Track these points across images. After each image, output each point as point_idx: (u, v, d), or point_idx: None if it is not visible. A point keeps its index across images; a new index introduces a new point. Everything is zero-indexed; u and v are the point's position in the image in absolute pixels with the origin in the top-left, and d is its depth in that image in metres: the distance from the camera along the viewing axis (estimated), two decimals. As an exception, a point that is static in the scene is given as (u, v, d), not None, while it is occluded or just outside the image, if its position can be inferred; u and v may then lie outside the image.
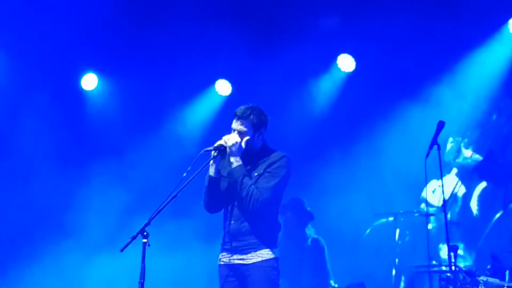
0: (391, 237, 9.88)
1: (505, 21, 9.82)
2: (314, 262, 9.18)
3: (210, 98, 11.26)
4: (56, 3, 10.03)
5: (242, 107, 6.00)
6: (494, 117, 10.41)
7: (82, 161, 10.77)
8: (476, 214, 10.36)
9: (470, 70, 10.19)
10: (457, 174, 10.58)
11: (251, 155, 5.97)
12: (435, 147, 7.21)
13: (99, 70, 10.99)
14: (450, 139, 10.67)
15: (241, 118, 5.95)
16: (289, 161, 5.98)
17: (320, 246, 9.28)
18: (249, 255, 5.85)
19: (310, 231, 9.35)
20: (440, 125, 7.23)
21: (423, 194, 10.40)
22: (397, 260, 9.84)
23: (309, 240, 9.31)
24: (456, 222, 10.41)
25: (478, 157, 10.50)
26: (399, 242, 9.97)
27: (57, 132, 10.64)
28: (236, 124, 5.96)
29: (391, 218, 9.54)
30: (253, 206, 5.78)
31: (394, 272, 9.73)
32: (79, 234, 10.34)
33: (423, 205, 10.41)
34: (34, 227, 10.40)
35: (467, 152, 10.58)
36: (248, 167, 5.92)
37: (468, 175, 10.56)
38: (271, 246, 5.89)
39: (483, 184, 10.38)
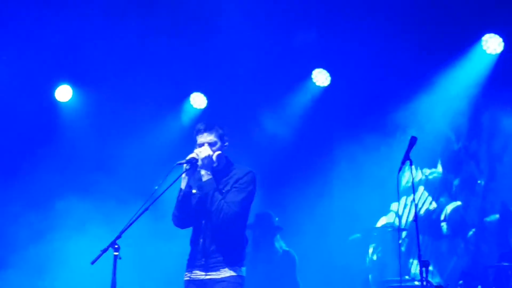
0: (364, 251, 9.90)
1: (479, 38, 9.92)
2: (283, 274, 9.13)
3: (185, 111, 11.26)
4: (30, 15, 9.99)
5: (203, 122, 6.07)
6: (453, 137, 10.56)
7: (55, 174, 10.71)
8: (446, 232, 10.41)
9: (444, 87, 10.27)
10: (426, 190, 10.63)
11: (217, 170, 5.99)
12: (408, 162, 7.23)
13: (74, 81, 10.95)
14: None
15: (207, 130, 5.99)
16: (254, 176, 6.03)
17: (291, 258, 9.21)
18: (217, 271, 5.84)
19: (280, 244, 9.31)
20: (413, 140, 7.24)
21: (395, 209, 10.46)
22: (370, 275, 9.86)
23: (280, 252, 9.27)
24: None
25: (439, 171, 10.58)
26: (372, 256, 9.99)
27: (31, 143, 10.59)
28: (204, 137, 5.98)
29: (363, 233, 9.55)
30: (223, 219, 5.77)
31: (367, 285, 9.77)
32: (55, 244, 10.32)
33: (392, 219, 10.47)
34: (7, 232, 10.37)
35: (426, 171, 10.66)
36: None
37: (436, 190, 10.60)
38: (238, 264, 5.91)
39: (457, 203, 10.43)
